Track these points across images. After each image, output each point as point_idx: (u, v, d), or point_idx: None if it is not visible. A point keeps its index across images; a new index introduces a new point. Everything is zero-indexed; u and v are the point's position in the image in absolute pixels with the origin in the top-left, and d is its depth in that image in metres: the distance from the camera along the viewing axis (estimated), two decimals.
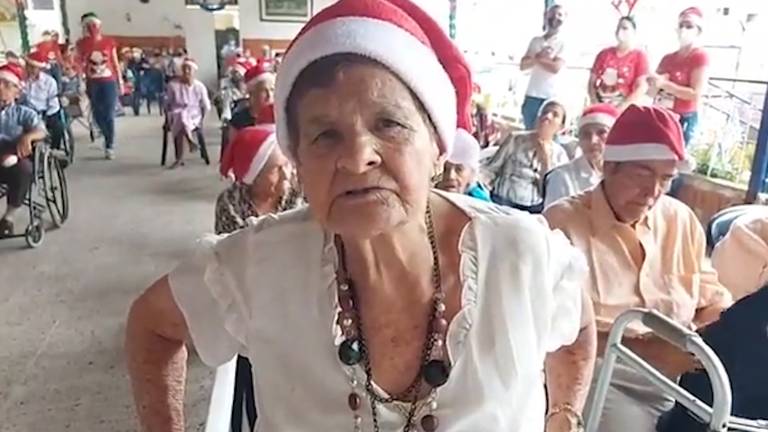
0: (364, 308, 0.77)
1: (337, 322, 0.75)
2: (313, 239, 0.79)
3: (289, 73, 0.66)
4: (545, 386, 0.97)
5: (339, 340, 0.75)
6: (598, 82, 5.25)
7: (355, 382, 0.74)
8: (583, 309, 0.90)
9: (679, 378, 1.53)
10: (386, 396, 0.75)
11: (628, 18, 5.33)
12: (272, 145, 2.42)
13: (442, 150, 0.73)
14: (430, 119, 0.69)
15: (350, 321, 0.75)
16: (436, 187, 0.78)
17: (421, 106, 0.67)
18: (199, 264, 0.82)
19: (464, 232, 0.77)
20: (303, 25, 0.70)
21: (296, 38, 0.69)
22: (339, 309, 0.75)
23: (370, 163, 0.63)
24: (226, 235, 0.87)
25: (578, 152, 3.44)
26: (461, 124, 0.77)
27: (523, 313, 0.76)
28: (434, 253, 0.77)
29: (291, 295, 0.77)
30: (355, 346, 0.74)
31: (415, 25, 0.70)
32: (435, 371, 0.74)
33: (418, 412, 0.74)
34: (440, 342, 0.74)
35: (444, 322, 0.74)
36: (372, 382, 0.75)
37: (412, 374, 0.75)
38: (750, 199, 4.39)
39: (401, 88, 0.64)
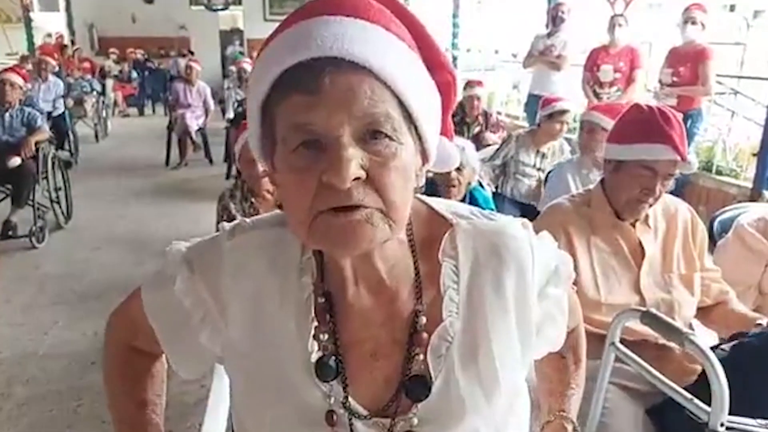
0: (341, 322, 0.73)
1: (314, 337, 0.72)
2: (290, 247, 0.75)
3: (268, 72, 0.61)
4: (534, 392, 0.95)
5: (315, 355, 0.72)
6: (592, 80, 5.26)
7: (332, 399, 0.72)
8: (571, 311, 0.87)
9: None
10: (365, 413, 0.72)
11: (620, 15, 5.36)
12: (243, 140, 2.50)
13: (425, 160, 0.70)
14: (416, 130, 0.66)
15: (327, 336, 0.72)
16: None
17: (408, 117, 0.64)
18: (170, 274, 0.78)
19: (445, 240, 0.74)
20: None
21: (275, 33, 0.65)
22: (316, 323, 0.72)
23: (356, 179, 0.60)
24: (197, 239, 0.84)
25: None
26: (443, 131, 0.73)
27: (507, 323, 0.73)
28: (415, 263, 0.74)
29: (267, 306, 0.74)
30: (332, 362, 0.72)
31: (403, 28, 0.66)
32: (416, 386, 0.71)
33: (398, 429, 0.71)
34: (421, 356, 0.71)
35: (425, 335, 0.71)
36: (350, 399, 0.72)
37: (392, 389, 0.72)
38: (755, 196, 4.37)
39: (390, 98, 0.61)
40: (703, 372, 1.20)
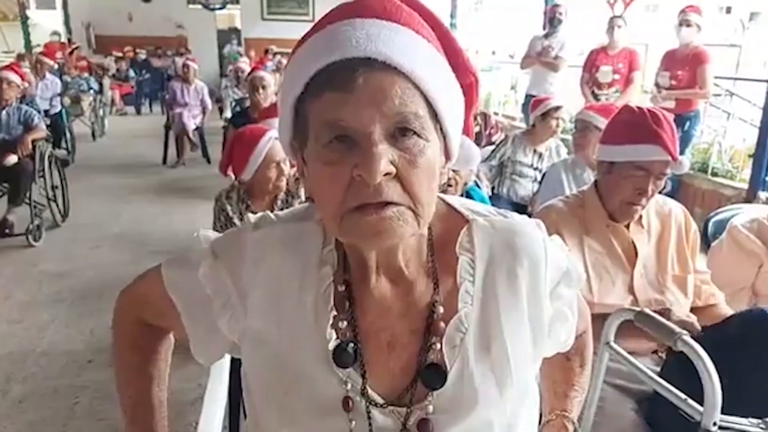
0: (360, 312, 0.76)
1: (332, 326, 0.74)
2: (312, 240, 0.78)
3: (303, 72, 0.64)
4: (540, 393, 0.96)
5: (333, 343, 0.74)
6: (590, 81, 5.30)
7: (350, 386, 0.73)
8: (580, 316, 0.89)
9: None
10: (381, 401, 0.74)
11: (619, 17, 5.39)
12: (270, 142, 2.44)
13: (447, 158, 0.73)
14: (441, 129, 0.68)
15: (346, 324, 0.74)
16: None
17: (435, 116, 0.66)
18: (195, 259, 0.82)
19: (462, 235, 0.77)
20: (305, 24, 0.68)
21: (307, 35, 0.68)
22: (335, 312, 0.75)
23: (386, 174, 0.63)
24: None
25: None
26: (464, 131, 0.76)
27: (520, 317, 0.75)
28: (432, 256, 0.77)
29: (286, 296, 0.76)
30: (349, 349, 0.74)
31: (430, 30, 0.69)
32: (432, 375, 0.73)
33: (414, 417, 0.73)
34: (438, 345, 0.73)
35: (442, 325, 0.74)
36: (367, 387, 0.74)
37: (408, 378, 0.74)
38: (750, 197, 4.39)
39: (419, 97, 0.64)
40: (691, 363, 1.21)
